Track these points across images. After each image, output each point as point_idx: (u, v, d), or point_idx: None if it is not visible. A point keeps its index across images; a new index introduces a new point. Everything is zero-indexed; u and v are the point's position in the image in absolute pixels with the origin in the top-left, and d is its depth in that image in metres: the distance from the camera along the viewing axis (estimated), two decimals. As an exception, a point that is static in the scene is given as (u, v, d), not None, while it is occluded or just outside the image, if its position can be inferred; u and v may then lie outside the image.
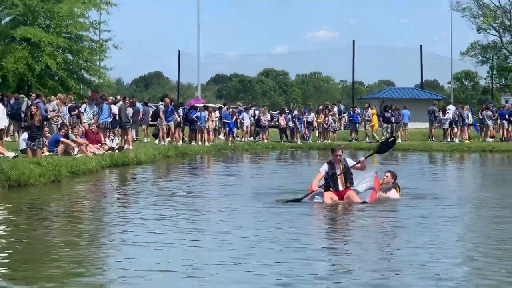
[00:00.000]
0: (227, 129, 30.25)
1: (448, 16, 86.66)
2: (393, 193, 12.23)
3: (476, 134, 34.07)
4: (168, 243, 7.96)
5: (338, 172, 11.61)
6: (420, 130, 37.16)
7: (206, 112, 28.70)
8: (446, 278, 6.32)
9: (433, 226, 9.37)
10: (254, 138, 32.96)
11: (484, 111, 33.39)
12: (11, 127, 24.00)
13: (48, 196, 12.54)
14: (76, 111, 23.19)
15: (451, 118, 32.30)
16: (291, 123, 32.93)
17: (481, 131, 33.71)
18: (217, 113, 30.76)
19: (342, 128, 38.69)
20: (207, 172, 20.40)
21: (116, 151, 20.70)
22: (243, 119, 32.19)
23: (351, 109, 36.80)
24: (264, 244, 7.93)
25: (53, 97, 24.67)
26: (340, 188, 11.58)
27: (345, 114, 40.67)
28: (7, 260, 7.17)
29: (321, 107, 35.48)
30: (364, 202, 11.32)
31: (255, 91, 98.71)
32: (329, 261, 7.22)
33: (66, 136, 18.57)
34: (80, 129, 20.17)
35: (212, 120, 29.36)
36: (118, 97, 27.23)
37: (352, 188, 11.65)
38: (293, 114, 33.34)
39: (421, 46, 54.40)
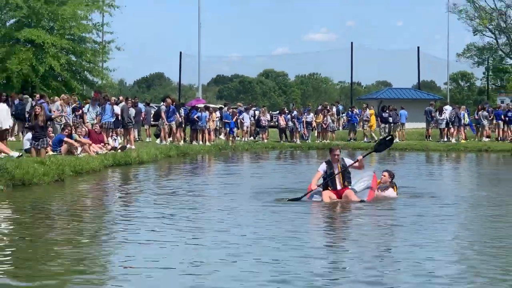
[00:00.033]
0: (228, 129, 30.26)
1: (444, 18, 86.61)
2: (390, 192, 12.23)
3: (472, 134, 34.06)
4: (169, 241, 7.96)
5: (336, 172, 11.61)
6: (417, 130, 37.15)
7: (207, 112, 28.71)
8: (441, 276, 6.32)
9: (429, 224, 9.37)
10: (254, 138, 32.95)
11: (480, 112, 33.38)
12: (16, 127, 24.00)
13: (52, 195, 12.55)
14: (80, 111, 23.19)
15: (448, 118, 32.30)
16: (290, 123, 32.93)
17: (477, 131, 33.70)
18: (217, 114, 30.76)
19: (340, 128, 38.68)
20: (208, 172, 20.39)
21: (119, 150, 20.69)
22: (243, 119, 32.20)
23: (350, 109, 36.81)
24: (263, 242, 7.92)
25: (56, 97, 24.66)
26: (338, 187, 11.58)
27: (343, 115, 40.66)
28: (10, 258, 7.17)
29: (320, 107, 35.46)
30: (362, 201, 11.33)
31: (255, 92, 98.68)
32: (327, 259, 7.22)
33: (70, 136, 18.57)
34: (83, 129, 20.19)
35: (213, 120, 29.36)
36: (121, 97, 27.25)
37: (350, 187, 11.65)
38: (293, 115, 33.34)
39: (418, 47, 54.45)
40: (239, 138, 31.56)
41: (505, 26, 55.95)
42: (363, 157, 12.23)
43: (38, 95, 25.16)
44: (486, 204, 11.80)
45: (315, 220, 10.45)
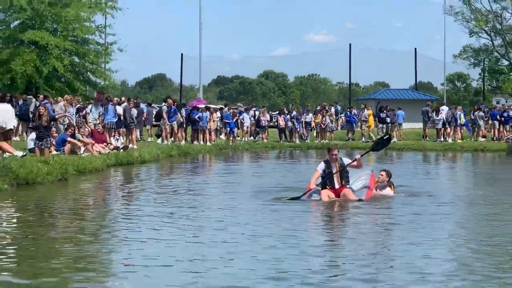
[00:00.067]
0: (228, 129, 30.25)
1: (441, 20, 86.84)
2: (388, 191, 12.23)
3: (468, 134, 34.06)
4: (169, 239, 7.95)
5: (334, 171, 11.61)
6: (414, 130, 37.15)
7: (208, 112, 28.71)
8: (436, 273, 6.31)
9: (426, 223, 9.35)
10: (254, 138, 32.95)
11: (476, 112, 33.39)
12: (20, 127, 23.99)
13: (55, 194, 12.54)
14: (84, 111, 23.20)
15: (444, 118, 32.29)
16: (290, 124, 32.93)
17: (473, 131, 33.71)
18: (218, 114, 30.75)
19: (339, 128, 38.68)
20: (209, 171, 20.39)
21: (121, 150, 20.69)
22: (243, 120, 32.19)
23: (348, 109, 36.81)
24: (262, 240, 7.91)
25: (60, 98, 24.68)
26: (336, 186, 11.58)
27: (342, 115, 40.66)
28: (13, 255, 7.16)
29: (318, 108, 35.46)
30: (360, 200, 11.32)
31: (255, 93, 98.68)
32: (324, 257, 7.20)
33: (73, 136, 18.58)
34: (86, 129, 20.19)
35: (214, 121, 29.35)
36: (123, 98, 27.27)
37: (348, 186, 11.64)
38: (292, 115, 33.34)
39: (415, 49, 54.47)
40: (239, 138, 31.55)
41: (500, 28, 55.92)
42: (361, 156, 12.21)
43: (41, 96, 25.16)
44: (482, 203, 11.79)
45: (313, 218, 10.44)
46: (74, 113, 22.36)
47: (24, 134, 23.19)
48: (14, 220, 9.63)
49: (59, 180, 14.33)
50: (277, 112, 38.37)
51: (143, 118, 28.38)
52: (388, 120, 33.44)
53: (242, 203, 11.36)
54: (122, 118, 23.06)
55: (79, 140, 18.60)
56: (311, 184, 11.61)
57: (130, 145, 22.36)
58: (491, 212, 10.53)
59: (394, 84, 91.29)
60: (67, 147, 18.01)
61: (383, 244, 7.94)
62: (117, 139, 22.40)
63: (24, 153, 15.61)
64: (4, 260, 6.82)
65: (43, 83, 35.97)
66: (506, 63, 59.52)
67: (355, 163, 11.83)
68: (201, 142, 27.96)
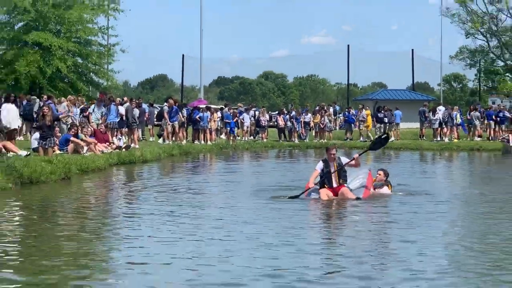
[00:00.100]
0: (228, 128, 30.26)
1: (438, 21, 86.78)
2: (385, 190, 12.23)
3: (464, 133, 34.07)
4: (169, 237, 7.94)
5: (332, 170, 11.60)
6: (411, 130, 37.15)
7: (209, 112, 28.71)
8: (430, 271, 6.31)
9: (422, 221, 9.35)
10: (254, 138, 32.95)
11: (472, 112, 33.39)
12: (24, 127, 23.98)
13: (58, 193, 12.54)
14: (87, 112, 23.19)
15: (441, 118, 32.30)
16: (289, 123, 32.93)
17: (469, 131, 33.71)
18: (219, 114, 30.76)
19: (337, 128, 38.66)
20: (209, 170, 20.39)
21: (123, 149, 20.69)
22: (243, 119, 32.20)
23: (346, 110, 36.80)
24: (260, 238, 7.89)
25: (63, 98, 24.66)
26: (334, 184, 11.58)
27: (340, 115, 40.66)
28: (16, 252, 7.17)
29: (317, 108, 35.47)
30: (358, 198, 11.32)
31: (255, 93, 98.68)
32: (321, 254, 7.20)
33: (76, 135, 18.57)
34: (89, 129, 20.19)
35: (214, 121, 29.36)
36: (125, 98, 27.23)
37: (345, 185, 11.63)
38: (291, 115, 33.35)
39: (412, 50, 54.48)
40: (239, 138, 31.56)
41: (496, 29, 55.85)
42: (359, 155, 12.20)
43: (45, 96, 25.14)
44: (478, 201, 11.79)
45: (312, 216, 10.43)
46: (78, 113, 22.37)
47: (28, 133, 23.18)
48: (18, 218, 9.64)
49: (63, 179, 14.33)
50: (276, 112, 38.36)
51: (145, 118, 28.37)
52: (386, 120, 33.45)
53: (241, 201, 11.36)
54: (124, 118, 23.05)
55: (82, 139, 18.59)
56: (310, 183, 11.62)
57: (132, 145, 22.36)
58: (486, 211, 10.52)
59: (392, 84, 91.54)
60: (70, 146, 18.01)
61: (379, 242, 7.94)
62: (120, 139, 22.40)
63: (28, 153, 15.61)
64: (7, 257, 6.82)
65: (46, 84, 35.97)
66: (502, 64, 59.47)
67: (353, 162, 11.82)
68: (202, 142, 27.97)
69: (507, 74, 59.52)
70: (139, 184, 14.87)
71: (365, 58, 68.23)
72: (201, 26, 43.52)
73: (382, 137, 13.52)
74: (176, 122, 26.46)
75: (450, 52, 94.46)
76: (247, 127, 32.50)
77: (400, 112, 34.95)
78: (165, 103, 27.83)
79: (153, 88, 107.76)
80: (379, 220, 9.71)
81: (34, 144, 17.33)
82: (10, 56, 36.15)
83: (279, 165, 21.89)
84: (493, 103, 45.40)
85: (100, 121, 21.84)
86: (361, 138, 33.07)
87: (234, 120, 30.96)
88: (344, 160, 11.85)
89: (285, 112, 34.28)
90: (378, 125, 33.51)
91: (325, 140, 32.15)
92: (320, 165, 11.71)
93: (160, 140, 26.25)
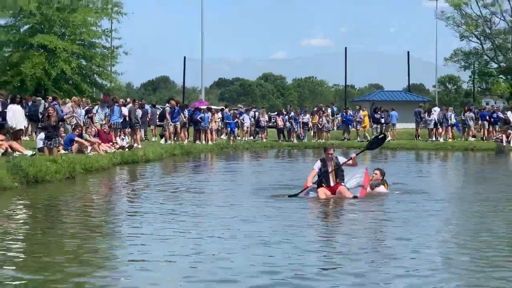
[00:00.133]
0: (229, 129, 30.25)
1: (433, 24, 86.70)
2: (381, 189, 12.23)
3: (458, 134, 34.07)
4: (171, 234, 7.95)
5: (330, 169, 11.61)
6: (407, 130, 37.14)
7: (210, 113, 28.71)
8: (424, 268, 6.32)
9: (418, 219, 9.34)
10: (254, 138, 32.95)
11: (466, 113, 33.38)
12: (29, 128, 23.99)
13: (63, 192, 12.53)
14: (92, 113, 23.20)
15: (436, 119, 32.28)
16: (288, 124, 32.93)
17: (463, 131, 33.70)
18: (219, 115, 30.76)
19: (335, 128, 38.66)
20: (210, 169, 20.39)
21: (126, 149, 20.69)
22: (243, 120, 32.19)
23: (344, 110, 36.79)
24: (260, 236, 7.89)
25: (68, 99, 24.68)
26: (332, 183, 11.59)
27: (338, 116, 40.67)
28: (21, 250, 7.19)
29: (315, 108, 35.46)
30: (355, 197, 11.32)
31: (255, 94, 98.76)
32: (319, 252, 7.19)
33: (80, 135, 18.58)
34: (93, 129, 20.20)
35: (215, 121, 29.35)
36: (128, 99, 27.29)
37: (342, 183, 11.63)
38: (290, 115, 33.34)
39: (408, 52, 54.50)
40: (239, 138, 31.55)
41: (489, 32, 55.87)
42: (356, 155, 12.20)
43: (50, 97, 25.18)
44: (472, 200, 11.78)
45: (310, 215, 10.43)
46: (83, 114, 22.38)
47: (34, 134, 23.19)
48: (24, 216, 9.65)
49: (67, 178, 14.34)
50: (276, 113, 38.35)
51: (148, 119, 28.35)
52: (382, 120, 33.44)
53: (242, 200, 11.36)
54: (127, 118, 23.05)
55: (86, 139, 18.60)
56: (308, 182, 11.62)
57: (135, 145, 22.36)
58: (480, 209, 10.52)
59: (388, 86, 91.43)
60: (75, 146, 18.01)
61: (375, 240, 7.95)
62: (123, 139, 22.41)
63: (34, 152, 15.62)
64: (12, 254, 6.84)
65: (51, 85, 36.01)
66: (495, 66, 59.49)
67: (350, 161, 11.83)
68: (203, 142, 27.96)
69: (501, 76, 59.57)
70: (141, 183, 14.87)
71: (362, 60, 68.34)
72: (202, 29, 43.46)
73: (379, 137, 13.48)
74: (178, 123, 26.45)
75: (445, 54, 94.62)
76: (247, 127, 32.50)
77: (396, 113, 34.95)
78: (167, 104, 27.83)
79: (155, 89, 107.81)
80: (375, 218, 9.72)
81: (40, 144, 17.33)
82: (16, 58, 36.20)
83: (278, 165, 21.88)
84: (487, 104, 45.42)
85: (104, 122, 21.85)
86: (358, 138, 33.07)
87: (235, 120, 30.95)
88: (342, 159, 11.85)
89: (284, 113, 34.27)
90: (374, 125, 33.50)
91: (323, 140, 32.14)
92: (318, 164, 11.72)
93: (162, 140, 26.25)
